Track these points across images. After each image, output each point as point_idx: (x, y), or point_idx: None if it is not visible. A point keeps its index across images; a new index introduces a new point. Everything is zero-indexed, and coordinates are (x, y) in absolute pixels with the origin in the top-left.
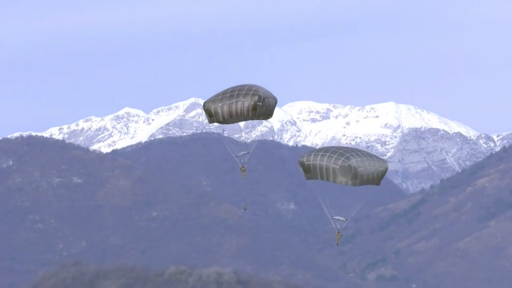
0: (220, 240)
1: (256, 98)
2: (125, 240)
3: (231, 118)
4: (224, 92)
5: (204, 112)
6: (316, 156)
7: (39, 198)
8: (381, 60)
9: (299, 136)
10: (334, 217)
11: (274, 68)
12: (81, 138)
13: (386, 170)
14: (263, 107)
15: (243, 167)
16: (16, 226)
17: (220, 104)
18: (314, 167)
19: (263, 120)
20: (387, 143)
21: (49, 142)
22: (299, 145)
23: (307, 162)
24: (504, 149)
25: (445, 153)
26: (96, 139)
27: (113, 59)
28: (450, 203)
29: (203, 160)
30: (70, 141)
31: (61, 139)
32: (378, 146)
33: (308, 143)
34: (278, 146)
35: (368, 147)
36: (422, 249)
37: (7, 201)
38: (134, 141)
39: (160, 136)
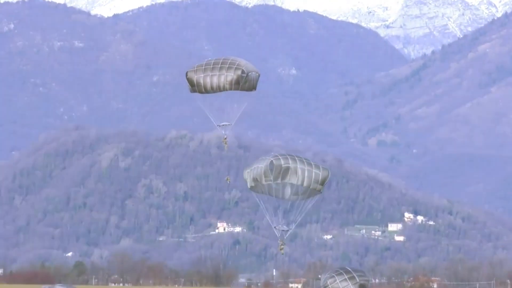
0: (221, 104)
1: (239, 72)
2: (126, 104)
3: (213, 90)
4: (207, 63)
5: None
6: (257, 163)
7: (40, 62)
8: None
9: (300, 0)
10: (277, 227)
11: None
12: (83, 2)
13: (325, 176)
14: (246, 82)
15: (225, 138)
16: (18, 89)
17: (202, 75)
18: (254, 179)
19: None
20: (388, 8)
21: (51, 6)
22: (301, 10)
23: (248, 173)
24: (506, 14)
25: (446, 19)
26: (98, 2)
27: None
28: (451, 69)
29: (205, 25)
30: (72, 4)
31: (62, 2)
32: (380, 11)
33: (309, 8)
34: (279, 11)
35: (370, 12)
36: (423, 114)
37: (8, 64)
38: (135, 5)
39: (162, 0)
